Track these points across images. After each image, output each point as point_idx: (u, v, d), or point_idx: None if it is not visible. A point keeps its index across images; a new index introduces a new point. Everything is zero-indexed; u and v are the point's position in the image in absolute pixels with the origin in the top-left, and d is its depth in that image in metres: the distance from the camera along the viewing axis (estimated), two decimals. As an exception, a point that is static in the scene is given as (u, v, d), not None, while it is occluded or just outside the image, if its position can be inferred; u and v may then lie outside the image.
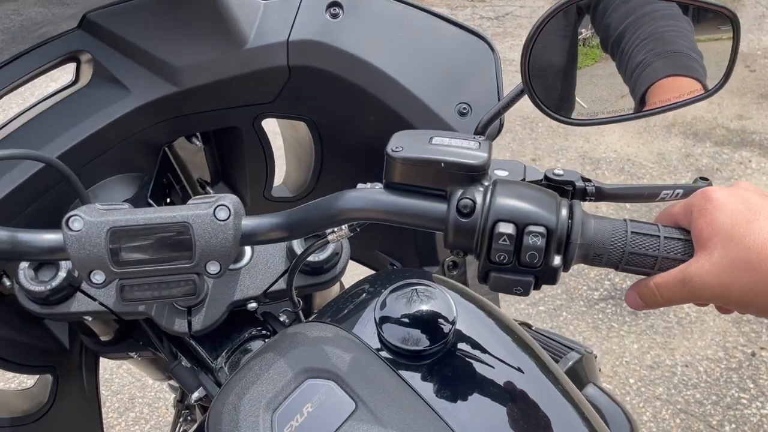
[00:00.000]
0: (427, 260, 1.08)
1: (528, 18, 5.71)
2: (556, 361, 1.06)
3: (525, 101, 0.81)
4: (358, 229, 0.71)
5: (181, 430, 1.39)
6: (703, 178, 0.70)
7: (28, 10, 0.90)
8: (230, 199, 0.63)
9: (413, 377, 0.68)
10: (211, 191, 1.14)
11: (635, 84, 0.77)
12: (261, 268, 0.84)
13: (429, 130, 0.66)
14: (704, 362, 2.51)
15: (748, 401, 2.35)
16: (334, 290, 1.03)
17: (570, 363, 1.07)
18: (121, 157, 0.94)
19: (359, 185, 0.66)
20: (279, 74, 0.93)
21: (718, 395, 2.38)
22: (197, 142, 1.07)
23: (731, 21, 0.68)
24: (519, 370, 0.71)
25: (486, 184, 0.61)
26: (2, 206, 0.81)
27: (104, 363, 1.14)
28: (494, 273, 0.60)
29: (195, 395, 0.86)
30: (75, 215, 0.61)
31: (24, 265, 0.80)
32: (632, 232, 0.58)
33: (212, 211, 0.62)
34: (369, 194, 0.63)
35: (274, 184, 1.17)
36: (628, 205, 3.17)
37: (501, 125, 0.89)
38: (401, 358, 0.70)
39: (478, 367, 0.70)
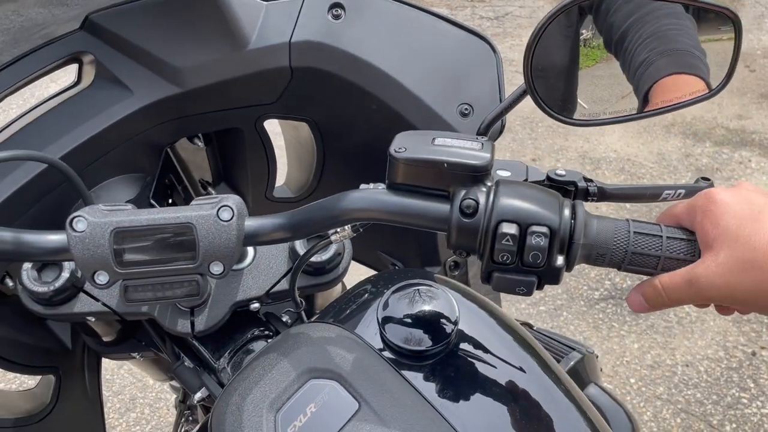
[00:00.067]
0: (428, 260, 1.08)
1: (528, 18, 5.71)
2: (558, 361, 1.06)
3: (525, 101, 0.81)
4: (361, 230, 0.71)
5: (183, 430, 1.39)
6: (704, 179, 0.70)
7: (29, 10, 0.90)
8: (233, 200, 0.64)
9: (416, 377, 0.68)
10: (212, 192, 1.14)
11: (638, 82, 0.77)
12: (263, 269, 0.84)
13: (431, 130, 0.66)
14: (705, 362, 2.51)
15: (749, 401, 2.36)
16: (336, 290, 1.03)
17: (571, 363, 1.07)
18: (124, 157, 0.94)
19: (362, 186, 0.66)
20: (281, 75, 0.93)
21: (718, 395, 2.38)
22: (199, 143, 1.07)
23: (733, 22, 0.68)
24: (521, 370, 0.71)
25: (489, 184, 0.61)
26: (5, 207, 0.81)
27: (105, 363, 1.14)
28: (497, 273, 0.60)
29: (197, 396, 0.86)
30: (79, 216, 0.61)
31: (27, 265, 0.80)
32: (635, 232, 0.59)
33: (215, 212, 0.63)
34: (372, 195, 0.63)
35: (276, 185, 1.17)
36: (627, 205, 3.17)
37: (503, 126, 0.90)
38: (404, 358, 0.70)
39: (481, 367, 0.71)
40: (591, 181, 0.72)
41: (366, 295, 0.79)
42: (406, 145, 0.62)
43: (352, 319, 0.75)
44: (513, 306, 2.72)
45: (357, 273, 0.95)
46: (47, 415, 0.96)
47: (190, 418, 1.39)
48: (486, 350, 0.72)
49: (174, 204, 1.03)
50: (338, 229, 0.71)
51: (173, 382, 1.40)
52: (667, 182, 3.47)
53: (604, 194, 0.72)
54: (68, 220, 0.61)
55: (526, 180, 0.69)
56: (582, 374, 1.08)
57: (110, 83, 0.91)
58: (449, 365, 0.70)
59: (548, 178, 0.71)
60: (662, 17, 0.76)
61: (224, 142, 1.08)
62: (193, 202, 0.65)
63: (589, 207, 0.65)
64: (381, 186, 0.65)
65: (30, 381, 1.07)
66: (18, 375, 2.00)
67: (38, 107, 0.91)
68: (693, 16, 0.75)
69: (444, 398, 0.67)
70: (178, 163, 1.06)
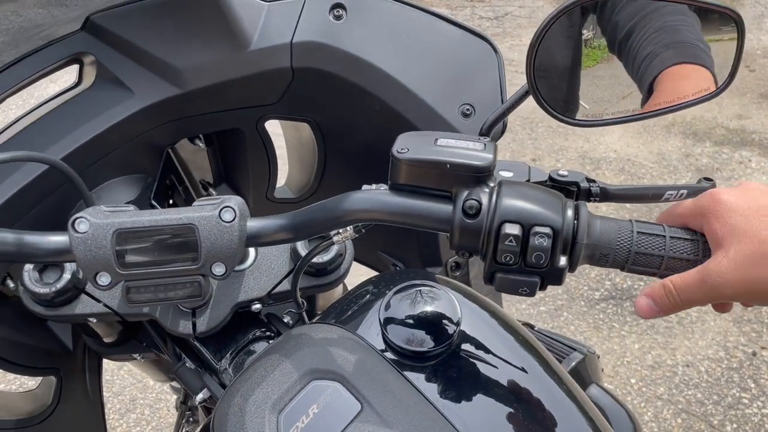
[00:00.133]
0: (429, 261, 1.08)
1: (527, 18, 5.72)
2: (560, 362, 1.06)
3: (526, 102, 0.81)
4: (363, 231, 0.71)
5: (184, 431, 1.39)
6: (707, 179, 0.70)
7: (28, 11, 0.90)
8: (235, 201, 0.63)
9: (418, 378, 0.68)
10: (213, 192, 1.14)
11: (643, 75, 0.77)
12: (265, 270, 0.84)
13: (434, 131, 0.66)
14: (705, 362, 2.51)
15: (749, 401, 2.36)
16: (338, 291, 1.03)
17: (573, 363, 1.07)
18: (125, 158, 0.94)
19: (364, 186, 0.66)
20: (282, 76, 0.93)
21: (719, 395, 2.38)
22: (200, 144, 1.07)
23: (736, 22, 0.68)
24: (523, 370, 0.71)
25: (491, 185, 0.61)
26: (7, 208, 0.81)
27: (105, 364, 1.14)
28: (500, 274, 0.60)
29: (199, 397, 0.86)
30: (81, 217, 0.61)
31: (29, 266, 0.80)
32: (638, 232, 0.59)
33: (218, 213, 0.63)
34: (374, 195, 0.63)
35: (277, 185, 1.17)
36: (627, 204, 3.17)
37: (504, 126, 0.90)
38: (406, 359, 0.70)
39: (483, 368, 0.71)
40: (593, 181, 0.72)
41: (368, 296, 0.79)
42: (408, 146, 0.62)
43: (354, 320, 0.75)
44: (513, 306, 2.72)
45: (357, 273, 0.95)
46: (48, 416, 0.96)
47: (191, 419, 1.39)
48: (488, 351, 0.72)
49: (175, 205, 1.03)
50: (340, 230, 0.71)
51: (174, 383, 1.40)
52: (668, 182, 3.47)
53: (606, 195, 0.72)
54: (70, 222, 0.61)
55: (528, 180, 0.69)
56: (583, 375, 1.08)
57: (111, 84, 0.91)
58: (451, 366, 0.70)
59: (551, 178, 0.71)
60: (667, 14, 0.76)
61: (225, 142, 1.08)
62: (194, 203, 0.64)
63: (590, 207, 0.65)
64: (383, 187, 0.65)
65: (30, 382, 1.07)
66: (18, 376, 2.00)
67: (39, 108, 0.91)
68: (696, 16, 0.75)
69: (446, 399, 0.67)
70: (178, 163, 1.06)
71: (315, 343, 0.71)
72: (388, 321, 0.71)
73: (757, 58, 4.79)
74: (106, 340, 0.99)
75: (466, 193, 0.60)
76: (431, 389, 0.68)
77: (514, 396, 0.69)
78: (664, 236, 0.58)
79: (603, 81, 0.84)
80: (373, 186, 0.65)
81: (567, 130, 3.93)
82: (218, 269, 0.64)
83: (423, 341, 0.70)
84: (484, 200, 0.59)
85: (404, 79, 0.91)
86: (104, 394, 1.15)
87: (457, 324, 0.71)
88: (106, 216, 0.62)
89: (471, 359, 0.71)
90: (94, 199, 0.84)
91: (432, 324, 0.71)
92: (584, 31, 0.79)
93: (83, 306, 0.82)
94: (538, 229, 0.57)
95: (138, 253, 0.63)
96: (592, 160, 3.71)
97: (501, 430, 0.66)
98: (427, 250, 1.07)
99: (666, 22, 0.76)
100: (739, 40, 0.69)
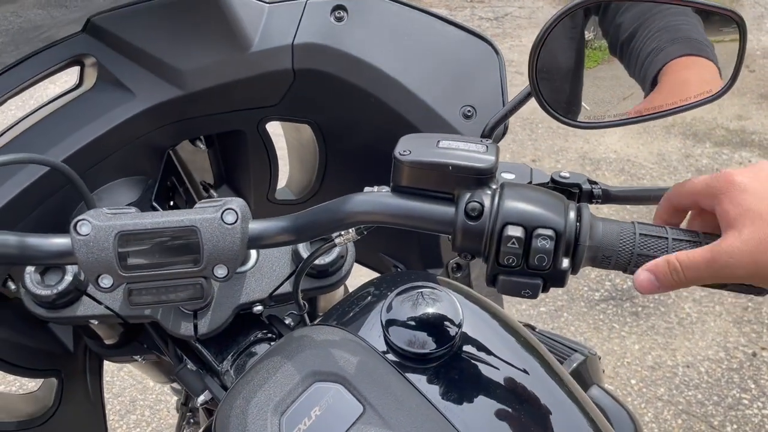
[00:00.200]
0: (430, 262, 1.08)
1: (527, 18, 5.72)
2: (561, 363, 1.06)
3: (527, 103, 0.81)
4: (365, 233, 0.71)
5: (185, 432, 1.39)
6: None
7: (28, 11, 0.90)
8: (237, 203, 0.63)
9: (420, 380, 0.68)
10: (214, 194, 1.14)
11: (647, 71, 0.76)
12: (266, 271, 0.84)
13: (436, 133, 0.66)
14: (705, 363, 2.51)
15: (750, 401, 2.36)
16: (339, 293, 1.03)
17: (574, 364, 1.07)
18: (126, 160, 0.94)
19: (366, 189, 0.66)
20: (284, 77, 0.93)
21: (719, 396, 2.38)
22: (201, 145, 1.07)
23: (738, 25, 0.68)
24: (525, 372, 0.71)
25: (494, 187, 0.61)
26: (8, 210, 0.81)
27: (105, 366, 1.14)
28: (503, 276, 0.60)
29: (201, 399, 0.86)
30: (83, 219, 0.61)
31: (30, 269, 0.80)
32: (640, 234, 0.59)
33: (220, 215, 0.63)
34: (377, 198, 0.63)
35: (278, 187, 1.17)
36: (628, 206, 3.17)
37: (505, 128, 0.90)
38: (408, 361, 0.70)
39: (485, 370, 0.71)
40: (595, 183, 0.72)
41: (369, 297, 0.79)
42: (410, 148, 0.62)
43: (356, 322, 0.75)
44: (513, 307, 2.72)
45: (358, 274, 0.95)
46: (50, 418, 0.96)
47: (192, 420, 1.39)
48: (490, 353, 0.72)
49: (176, 206, 1.03)
50: (342, 232, 0.70)
51: (174, 384, 1.40)
52: (668, 183, 3.47)
53: (608, 196, 0.72)
54: (72, 224, 0.61)
55: (530, 182, 0.69)
56: (585, 376, 1.08)
57: (112, 86, 0.91)
58: (453, 368, 0.70)
59: (552, 180, 0.71)
60: (670, 15, 0.76)
61: (226, 144, 1.08)
62: (196, 205, 0.64)
63: (591, 209, 0.65)
64: (385, 189, 0.65)
65: (30, 383, 1.06)
66: (18, 377, 2.00)
67: (40, 110, 0.91)
68: (698, 17, 0.75)
69: (448, 401, 0.67)
70: (179, 165, 1.06)
71: (317, 345, 0.71)
72: (390, 323, 0.71)
73: (756, 58, 4.80)
74: (107, 341, 0.99)
75: (468, 195, 0.60)
76: (433, 391, 0.68)
77: (515, 398, 0.69)
78: (667, 238, 0.58)
79: (604, 82, 0.84)
80: (375, 188, 0.65)
81: (567, 131, 3.93)
82: (220, 271, 0.64)
83: (425, 343, 0.70)
84: (487, 202, 0.59)
85: (405, 80, 0.91)
86: (104, 395, 1.15)
87: (459, 326, 0.71)
88: (108, 218, 0.62)
89: (473, 361, 0.71)
90: (95, 201, 0.83)
91: (434, 326, 0.71)
92: (585, 33, 0.79)
93: (85, 308, 0.82)
94: (540, 231, 0.57)
95: (140, 256, 0.63)
96: (592, 161, 3.71)
97: (503, 432, 0.66)
98: (427, 251, 1.07)
99: (669, 22, 0.76)
100: (741, 42, 0.69)
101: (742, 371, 2.47)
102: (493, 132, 0.85)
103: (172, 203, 1.02)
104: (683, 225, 0.63)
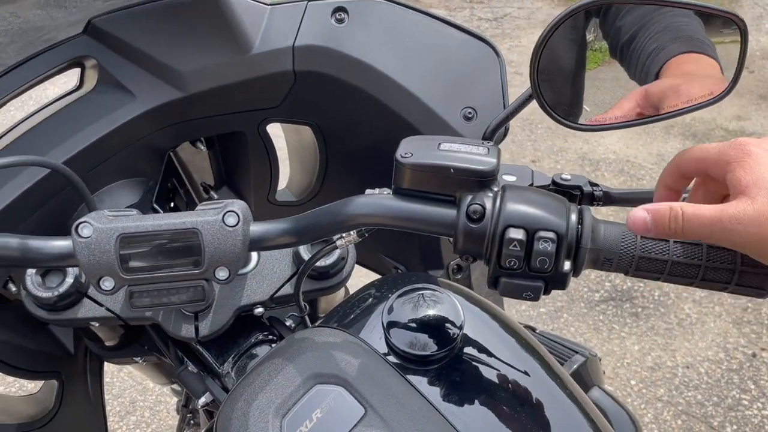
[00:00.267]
0: (431, 264, 1.08)
1: (526, 19, 5.72)
2: (561, 364, 1.06)
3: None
4: (366, 235, 0.71)
5: (185, 434, 1.39)
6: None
7: (27, 12, 0.90)
8: (239, 205, 0.63)
9: (421, 382, 0.68)
10: (215, 195, 1.14)
11: (648, 70, 0.76)
12: (267, 273, 0.84)
13: (437, 135, 0.66)
14: (705, 363, 2.51)
15: (750, 402, 2.36)
16: (339, 295, 1.03)
17: (575, 366, 1.07)
18: (126, 162, 0.94)
19: (367, 191, 0.66)
20: (284, 79, 0.93)
21: (719, 396, 2.38)
22: (202, 147, 1.07)
23: (739, 28, 0.68)
24: (526, 373, 0.71)
25: (495, 189, 0.61)
26: (9, 212, 0.81)
27: (105, 367, 1.14)
28: (504, 278, 0.60)
29: (201, 400, 0.86)
30: (84, 222, 0.61)
31: (31, 271, 0.80)
32: (642, 236, 0.59)
33: (221, 218, 0.63)
34: (378, 200, 0.63)
35: (278, 188, 1.17)
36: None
37: (506, 130, 0.90)
38: (409, 363, 0.70)
39: (486, 372, 0.71)
40: (596, 185, 0.72)
41: (370, 299, 0.79)
42: (412, 151, 0.62)
43: (357, 324, 0.75)
44: (513, 308, 2.72)
45: (358, 275, 0.95)
46: (50, 420, 0.96)
47: (192, 421, 1.38)
48: (491, 354, 0.72)
49: (176, 207, 1.03)
50: (344, 234, 0.70)
51: (175, 386, 1.40)
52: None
53: (609, 198, 0.72)
54: (74, 226, 0.61)
55: (531, 184, 0.69)
56: (585, 377, 1.08)
57: (113, 88, 0.91)
58: (454, 370, 0.70)
59: (554, 182, 0.71)
60: (672, 17, 0.75)
61: (227, 145, 1.08)
62: (198, 208, 0.64)
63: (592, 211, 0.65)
64: (387, 191, 0.65)
65: (29, 385, 1.06)
66: (17, 379, 2.00)
67: (40, 111, 0.91)
68: (699, 19, 0.75)
69: (449, 403, 0.67)
70: (180, 166, 1.06)
71: (318, 347, 0.71)
72: (391, 325, 0.71)
73: (756, 59, 4.80)
74: (108, 343, 0.99)
75: (469, 197, 0.60)
76: (434, 393, 0.68)
77: (517, 399, 0.69)
78: (668, 240, 0.58)
79: (604, 84, 0.84)
80: (377, 190, 0.65)
81: (566, 132, 3.93)
82: (222, 274, 0.64)
83: (426, 345, 0.70)
84: (488, 205, 0.59)
85: (406, 82, 0.91)
86: (105, 396, 1.15)
87: (460, 327, 0.71)
88: (110, 220, 0.62)
89: (474, 363, 0.71)
90: (96, 203, 0.84)
91: (435, 328, 0.71)
92: (586, 34, 0.79)
93: (86, 310, 0.82)
94: (542, 234, 0.57)
95: (141, 258, 0.63)
96: (592, 162, 3.72)
97: (504, 434, 0.66)
98: (428, 253, 1.07)
99: (670, 23, 0.76)
100: (743, 45, 0.69)
101: (741, 372, 2.47)
102: (495, 134, 0.85)
103: (172, 204, 1.02)
104: (686, 195, 0.62)
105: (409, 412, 0.65)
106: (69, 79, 0.95)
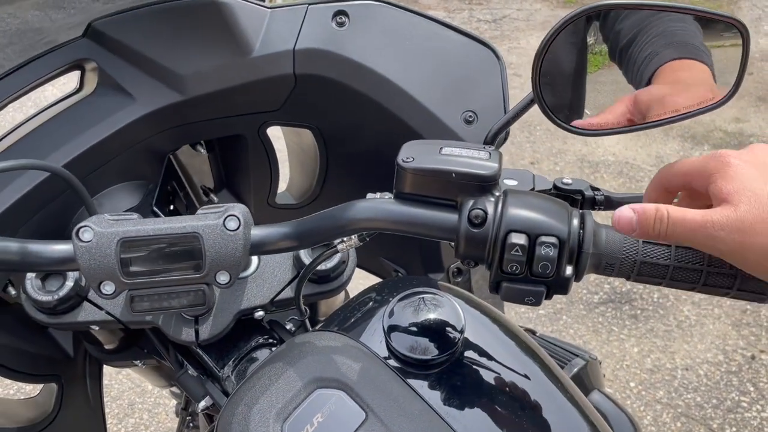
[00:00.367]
0: (431, 267, 1.08)
1: (525, 21, 5.72)
2: (562, 368, 1.06)
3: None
4: (368, 239, 0.71)
5: (185, 437, 1.39)
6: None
7: (25, 13, 0.90)
8: (240, 209, 0.63)
9: (422, 386, 0.68)
10: (215, 198, 1.14)
11: (642, 75, 0.76)
12: (268, 277, 0.84)
13: (438, 139, 0.66)
14: (704, 365, 2.51)
15: (749, 404, 2.36)
16: (339, 298, 1.03)
17: (575, 369, 1.07)
18: (126, 165, 0.94)
19: (369, 195, 0.66)
20: (285, 82, 0.93)
21: (718, 398, 2.38)
22: (202, 150, 1.07)
23: (741, 33, 0.68)
24: (526, 377, 0.71)
25: (497, 194, 0.61)
26: (9, 215, 0.80)
27: (104, 369, 1.14)
28: (506, 283, 0.60)
29: (201, 404, 0.86)
30: (85, 226, 0.61)
31: (31, 274, 0.80)
32: (644, 241, 0.59)
33: (222, 222, 0.62)
34: (379, 204, 0.63)
35: (278, 191, 1.17)
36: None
37: (507, 134, 0.90)
38: (410, 367, 0.70)
39: (487, 376, 0.71)
40: (598, 189, 0.72)
41: (371, 303, 0.79)
42: (413, 155, 0.62)
43: (358, 328, 0.75)
44: (513, 310, 2.72)
45: (357, 277, 0.95)
46: (50, 423, 0.96)
47: (191, 424, 1.38)
48: (492, 358, 0.72)
49: (176, 211, 1.03)
50: (345, 239, 0.70)
51: (174, 388, 1.40)
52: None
53: (610, 203, 0.72)
54: (74, 230, 0.61)
55: (533, 189, 0.69)
56: (585, 381, 1.08)
57: (113, 90, 0.91)
58: (455, 374, 0.70)
59: (555, 187, 0.71)
60: (669, 22, 0.76)
61: (227, 148, 1.08)
62: (198, 211, 0.64)
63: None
64: (388, 195, 0.65)
65: (28, 387, 1.06)
66: (16, 383, 1.99)
67: (40, 114, 0.91)
68: (698, 24, 0.75)
69: (450, 407, 0.67)
70: (180, 169, 1.06)
71: (318, 350, 0.71)
72: (392, 328, 0.71)
73: (755, 61, 4.80)
74: (107, 346, 0.98)
75: (471, 202, 0.60)
76: (435, 397, 0.68)
77: (517, 403, 0.69)
78: (670, 245, 0.58)
79: (605, 87, 0.84)
80: (378, 194, 0.65)
81: (565, 134, 3.92)
82: (222, 278, 0.64)
83: (427, 349, 0.70)
84: (490, 210, 0.59)
85: (406, 85, 0.91)
86: (104, 400, 1.15)
87: (461, 332, 0.71)
88: (111, 225, 0.62)
89: (474, 367, 0.71)
90: (96, 206, 0.83)
91: (436, 332, 0.71)
92: (588, 38, 0.80)
93: (86, 314, 0.82)
94: (544, 239, 0.57)
95: (142, 262, 0.63)
96: (591, 164, 3.72)
97: (505, 438, 0.66)
98: (429, 256, 1.07)
99: (668, 28, 0.76)
100: (744, 50, 0.69)
101: (740, 374, 2.47)
102: (496, 138, 0.85)
103: (172, 207, 1.02)
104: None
105: (410, 417, 0.65)
106: (68, 79, 0.95)
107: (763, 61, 4.80)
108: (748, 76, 4.63)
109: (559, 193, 0.72)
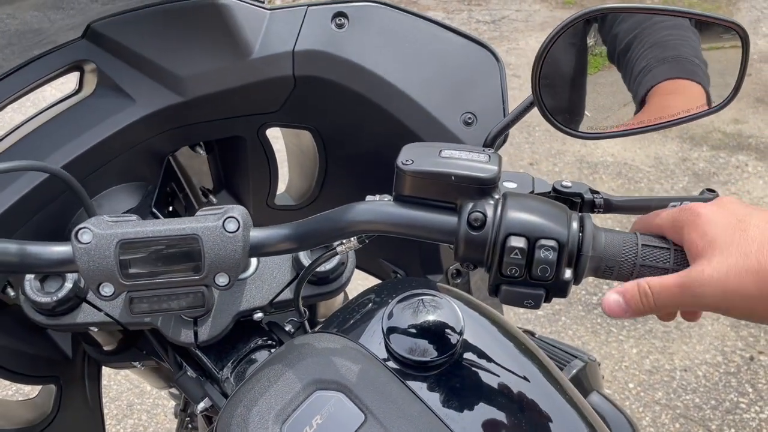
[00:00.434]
0: (430, 269, 1.08)
1: (524, 22, 5.72)
2: (561, 369, 1.06)
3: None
4: (367, 241, 0.71)
5: (184, 438, 1.39)
6: (710, 190, 0.70)
7: (24, 14, 0.90)
8: (239, 211, 0.63)
9: (421, 388, 0.68)
10: (214, 200, 1.14)
11: (637, 89, 0.77)
12: (267, 279, 0.84)
13: (437, 141, 0.66)
14: (703, 367, 2.51)
15: (747, 405, 2.36)
16: (338, 299, 1.03)
17: (574, 371, 1.07)
18: (126, 166, 0.94)
19: (368, 197, 0.66)
20: (284, 84, 0.93)
21: (717, 400, 2.38)
22: (201, 151, 1.07)
23: (740, 37, 0.68)
24: (525, 379, 0.71)
25: (496, 197, 0.61)
26: (7, 216, 0.80)
27: (102, 370, 1.14)
28: (505, 286, 0.60)
29: (200, 406, 0.86)
30: (84, 227, 0.61)
31: (30, 275, 0.80)
32: (643, 245, 0.59)
33: (221, 223, 0.62)
34: (379, 207, 0.63)
35: (277, 192, 1.17)
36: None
37: (506, 136, 0.90)
38: (409, 369, 0.70)
39: (486, 377, 0.71)
40: (597, 192, 0.72)
41: (370, 305, 0.79)
42: (413, 158, 0.62)
43: (357, 330, 0.75)
44: (511, 311, 2.72)
45: (357, 278, 0.95)
46: (49, 424, 0.96)
47: (190, 426, 1.38)
48: (491, 360, 0.72)
49: (175, 212, 1.03)
50: (344, 241, 0.70)
51: (173, 390, 1.40)
52: (664, 187, 3.48)
53: (610, 206, 0.72)
54: (74, 232, 0.61)
55: (532, 192, 0.69)
56: (584, 382, 1.09)
57: (112, 92, 0.91)
58: (454, 376, 0.70)
59: (554, 189, 0.71)
60: (665, 28, 0.76)
61: (226, 149, 1.08)
62: (198, 213, 0.64)
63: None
64: (387, 198, 0.65)
65: (26, 389, 1.06)
66: (14, 384, 1.99)
67: (39, 116, 0.91)
68: (697, 27, 0.75)
69: (449, 409, 0.67)
70: (179, 170, 1.06)
71: (318, 352, 0.71)
72: (391, 330, 0.71)
73: (753, 62, 4.81)
74: (106, 348, 0.98)
75: (471, 205, 0.60)
76: (434, 399, 0.68)
77: (516, 405, 0.69)
78: (669, 249, 0.58)
79: (605, 88, 0.84)
80: (377, 197, 0.65)
81: (564, 135, 3.93)
82: (222, 279, 0.64)
83: (426, 351, 0.70)
84: (489, 212, 0.59)
85: (406, 87, 0.91)
86: (103, 401, 1.15)
87: (460, 333, 0.71)
88: (110, 226, 0.62)
89: (474, 369, 0.71)
90: (95, 207, 0.83)
91: (435, 333, 0.71)
92: (587, 39, 0.80)
93: (84, 315, 0.82)
94: (543, 242, 0.57)
95: (141, 264, 0.63)
96: (590, 165, 3.72)
97: (504, 440, 0.66)
98: (428, 258, 1.07)
99: (663, 37, 0.76)
100: (744, 53, 0.69)
101: (739, 375, 2.48)
102: (495, 141, 0.85)
103: (171, 209, 1.02)
104: None
105: (409, 419, 0.65)
106: (68, 80, 0.95)
107: (761, 63, 4.80)
108: (747, 77, 4.64)
109: (559, 196, 0.72)
